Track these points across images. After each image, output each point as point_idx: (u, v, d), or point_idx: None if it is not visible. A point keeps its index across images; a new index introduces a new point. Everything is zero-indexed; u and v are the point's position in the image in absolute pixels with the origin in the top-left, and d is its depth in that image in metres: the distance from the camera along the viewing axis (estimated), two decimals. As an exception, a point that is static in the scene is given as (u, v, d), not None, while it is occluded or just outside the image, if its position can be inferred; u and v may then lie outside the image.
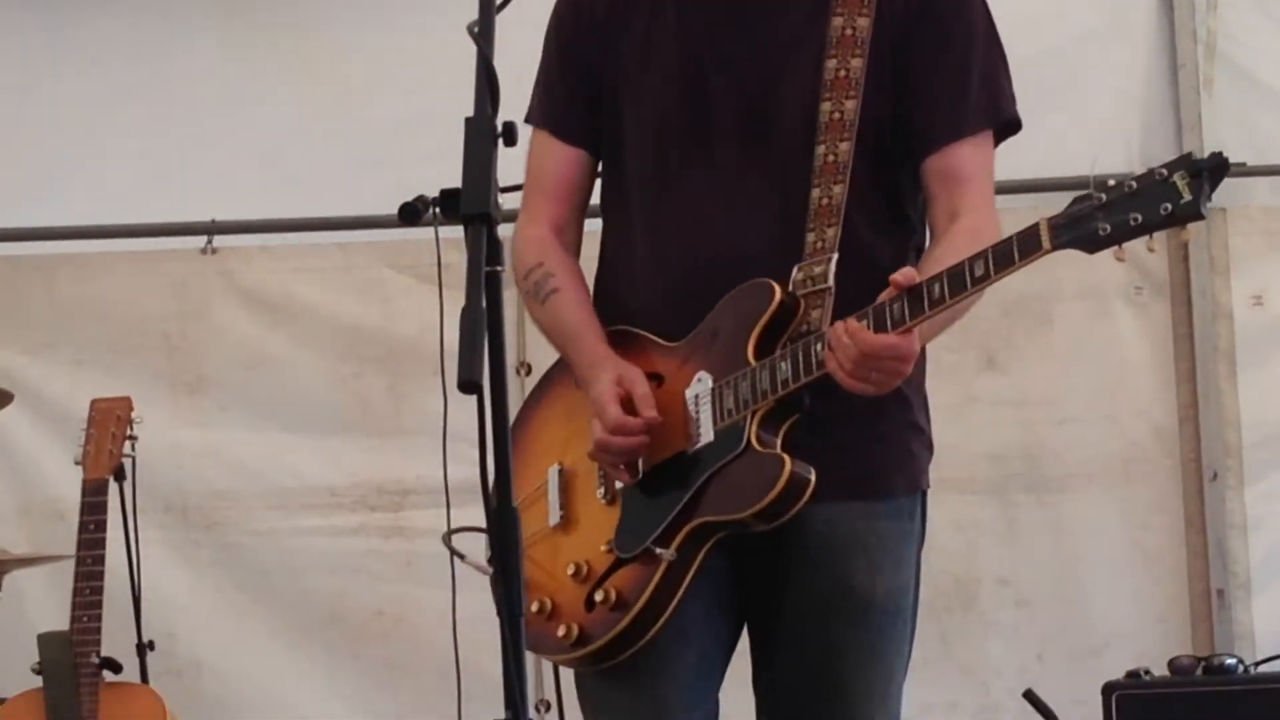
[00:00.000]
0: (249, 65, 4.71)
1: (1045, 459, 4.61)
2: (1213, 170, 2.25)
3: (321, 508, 4.70)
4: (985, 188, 2.65)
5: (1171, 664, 4.44)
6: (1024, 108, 2.83)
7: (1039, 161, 4.42)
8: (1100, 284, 4.56)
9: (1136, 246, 4.22)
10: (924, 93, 2.68)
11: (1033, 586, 4.61)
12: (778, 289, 2.60)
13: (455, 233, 2.15)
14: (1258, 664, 4.49)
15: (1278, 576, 4.58)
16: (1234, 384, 4.54)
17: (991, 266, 2.34)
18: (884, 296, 2.49)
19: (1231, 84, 4.47)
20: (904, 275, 2.45)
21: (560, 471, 2.80)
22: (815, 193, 2.64)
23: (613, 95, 2.83)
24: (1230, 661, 4.44)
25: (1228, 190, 4.06)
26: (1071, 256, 3.99)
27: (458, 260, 2.16)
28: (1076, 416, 4.58)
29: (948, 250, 2.55)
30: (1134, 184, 2.28)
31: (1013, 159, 2.73)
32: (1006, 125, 2.72)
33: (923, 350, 2.71)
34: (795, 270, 2.63)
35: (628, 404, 2.65)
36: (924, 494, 2.79)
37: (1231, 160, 4.23)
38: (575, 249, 2.87)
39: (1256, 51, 4.48)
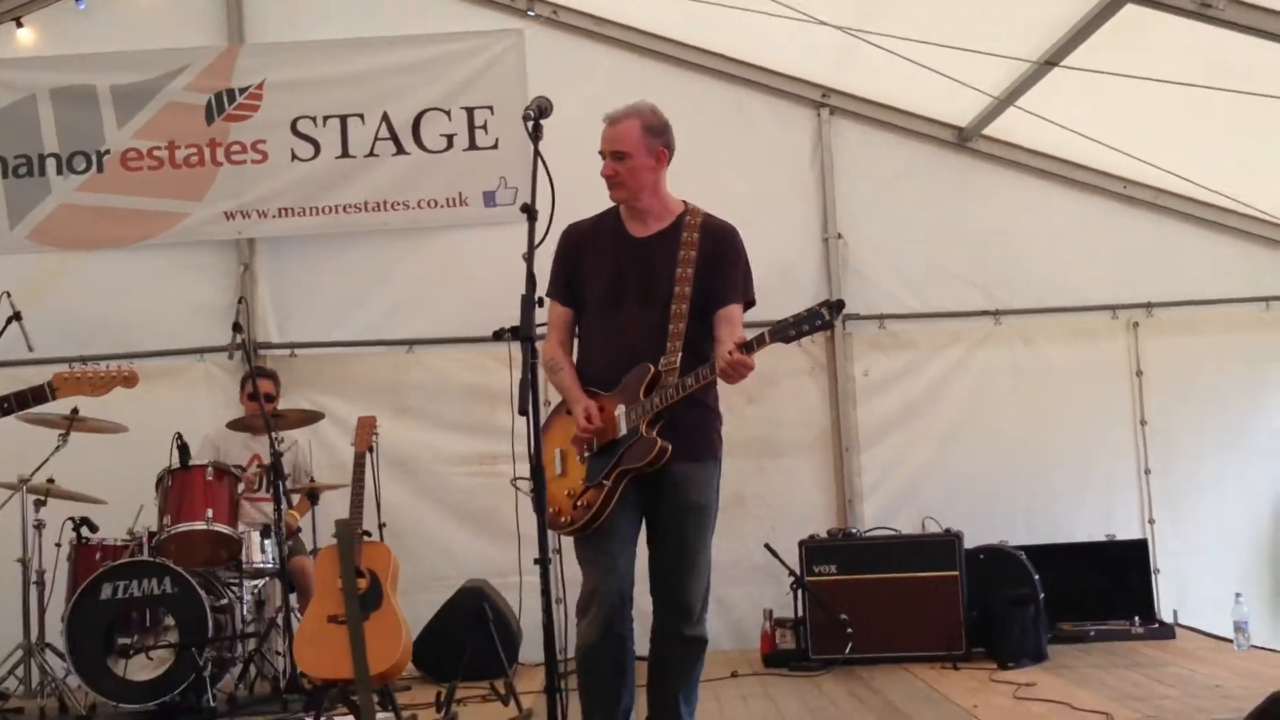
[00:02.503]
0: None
1: (775, 439, 7.35)
2: (837, 306, 3.51)
3: (461, 463, 7.21)
4: (740, 328, 3.82)
5: (829, 532, 6.90)
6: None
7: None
8: (797, 366, 7.43)
9: (813, 348, 7.82)
10: (718, 284, 3.88)
11: (769, 499, 7.24)
12: (652, 368, 3.73)
13: (517, 346, 3.34)
14: (865, 532, 7.00)
15: (874, 494, 7.33)
16: (854, 410, 7.42)
17: (753, 343, 3.50)
18: (733, 346, 3.51)
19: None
20: (735, 344, 3.51)
21: (560, 451, 3.89)
22: (670, 326, 3.78)
23: (581, 280, 4.01)
24: (854, 530, 6.98)
25: (854, 325, 7.07)
26: (783, 352, 6.78)
27: (519, 356, 3.30)
28: (790, 422, 7.39)
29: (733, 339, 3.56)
30: (805, 313, 3.46)
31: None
32: (750, 303, 3.96)
33: (717, 395, 3.93)
34: (661, 359, 3.74)
35: (591, 417, 3.77)
36: (719, 462, 3.98)
37: (849, 311, 7.76)
38: (569, 349, 4.04)
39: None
